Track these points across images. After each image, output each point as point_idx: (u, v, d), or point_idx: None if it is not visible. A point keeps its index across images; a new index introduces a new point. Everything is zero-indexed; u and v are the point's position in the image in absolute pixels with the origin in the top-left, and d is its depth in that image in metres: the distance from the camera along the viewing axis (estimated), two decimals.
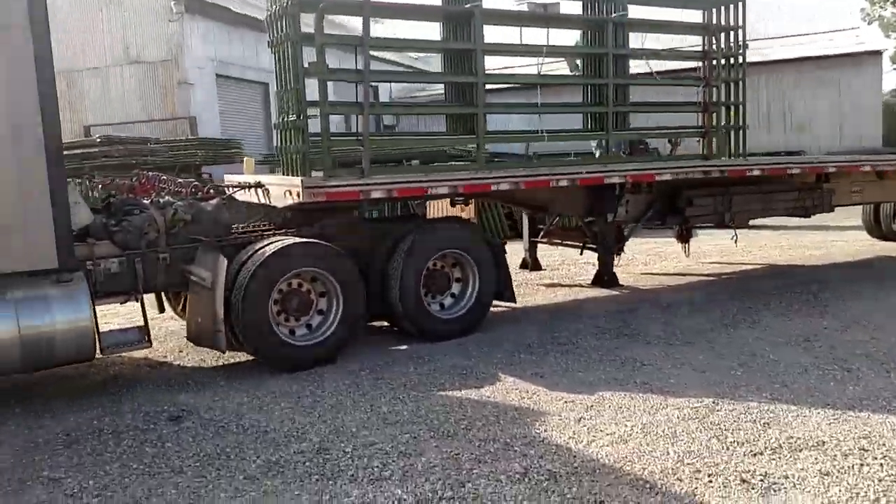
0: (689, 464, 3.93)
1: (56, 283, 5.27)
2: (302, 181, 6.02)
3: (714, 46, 8.06)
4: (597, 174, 7.46)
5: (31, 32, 4.88)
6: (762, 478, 3.72)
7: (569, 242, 9.13)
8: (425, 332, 6.67)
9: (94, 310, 5.43)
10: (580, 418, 4.66)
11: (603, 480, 3.78)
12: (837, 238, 12.90)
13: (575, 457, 4.08)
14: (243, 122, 21.01)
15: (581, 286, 9.10)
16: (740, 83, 8.46)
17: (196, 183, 7.18)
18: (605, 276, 8.62)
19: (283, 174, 6.63)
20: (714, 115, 8.12)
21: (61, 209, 5.08)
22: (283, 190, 6.38)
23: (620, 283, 8.77)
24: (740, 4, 8.23)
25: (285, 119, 6.43)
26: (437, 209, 10.91)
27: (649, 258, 11.35)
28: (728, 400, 4.88)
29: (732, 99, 8.40)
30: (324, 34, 6.02)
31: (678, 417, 4.62)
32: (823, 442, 4.14)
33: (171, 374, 6.10)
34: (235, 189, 7.05)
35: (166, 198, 6.63)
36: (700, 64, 8.45)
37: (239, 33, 20.40)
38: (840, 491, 3.57)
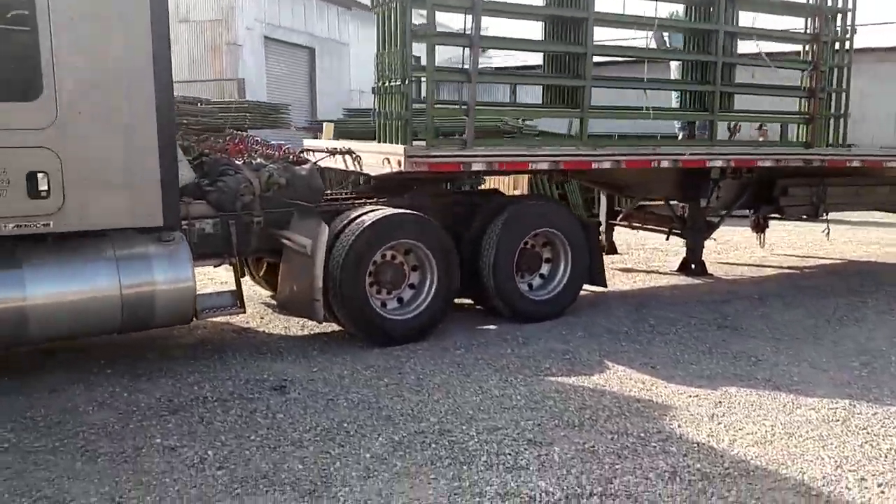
0: (850, 471, 3.66)
1: (157, 242, 5.09)
2: (405, 149, 5.76)
3: (824, 29, 7.62)
4: (700, 157, 7.11)
5: None
6: None
7: (651, 227, 8.79)
8: (517, 312, 6.42)
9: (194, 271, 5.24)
10: (712, 415, 4.40)
11: (761, 484, 3.52)
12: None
13: (721, 456, 3.83)
14: (289, 87, 20.77)
15: (658, 272, 8.80)
16: (845, 69, 8.03)
17: (288, 146, 6.93)
18: (692, 264, 8.30)
19: (380, 141, 6.37)
20: (821, 101, 7.70)
21: (169, 166, 4.87)
22: (380, 158, 6.12)
23: (709, 272, 8.42)
24: None
25: (386, 84, 6.15)
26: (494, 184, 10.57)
27: (721, 247, 10.98)
28: (864, 403, 4.59)
29: (835, 86, 7.98)
30: None
31: (817, 419, 4.34)
32: None
33: (258, 342, 5.91)
34: (325, 154, 6.82)
35: (258, 160, 6.42)
36: (802, 48, 8.03)
37: None
38: None
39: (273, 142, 6.76)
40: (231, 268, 5.99)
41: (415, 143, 6.05)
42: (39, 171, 4.46)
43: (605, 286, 7.09)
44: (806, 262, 9.94)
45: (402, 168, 5.78)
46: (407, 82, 5.86)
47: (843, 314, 6.89)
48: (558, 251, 6.70)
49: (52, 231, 4.59)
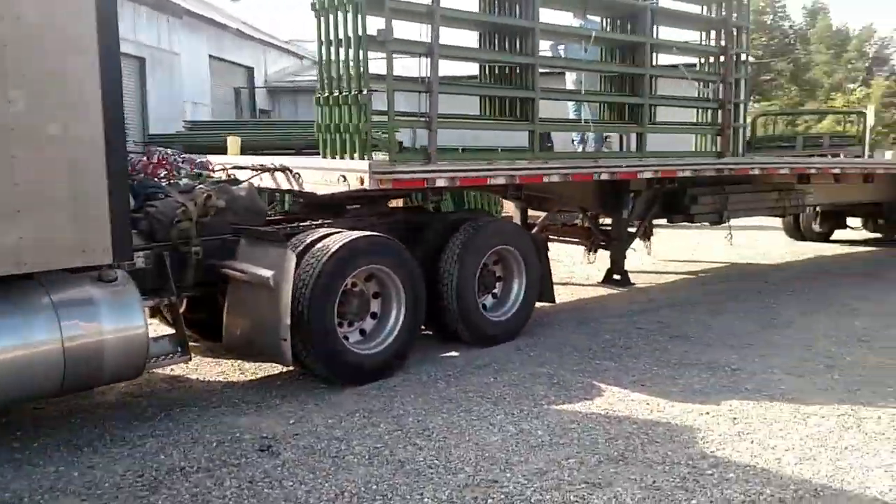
0: None
1: (99, 282, 4.20)
2: (370, 165, 5.23)
3: (730, 43, 7.99)
4: (633, 168, 7.16)
5: None
6: None
7: (569, 239, 8.78)
8: (480, 336, 6.07)
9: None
10: (738, 433, 4.30)
11: None
12: (759, 238, 13.37)
13: (782, 478, 3.71)
14: None
15: (583, 285, 8.77)
16: (743, 81, 8.49)
17: (217, 165, 6.10)
18: (617, 274, 8.36)
19: (327, 156, 5.76)
20: (729, 112, 8.07)
21: (119, 191, 4.02)
22: (330, 175, 5.54)
23: (631, 281, 8.53)
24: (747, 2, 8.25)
25: (335, 94, 5.57)
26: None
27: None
28: (865, 406, 4.70)
29: (739, 97, 8.41)
30: None
31: (838, 427, 4.37)
32: None
33: (201, 393, 5.10)
34: (254, 173, 6.08)
35: (184, 180, 5.58)
36: (707, 61, 8.39)
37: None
38: None
39: (198, 160, 5.91)
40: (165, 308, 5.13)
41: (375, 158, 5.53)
42: None
43: (554, 301, 6.91)
44: (699, 266, 10.42)
45: (366, 185, 5.25)
46: (365, 92, 5.33)
47: (771, 317, 7.20)
48: (512, 269, 6.43)
49: None
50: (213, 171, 5.80)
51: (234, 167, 6.17)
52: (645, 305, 7.72)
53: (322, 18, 5.57)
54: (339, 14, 5.41)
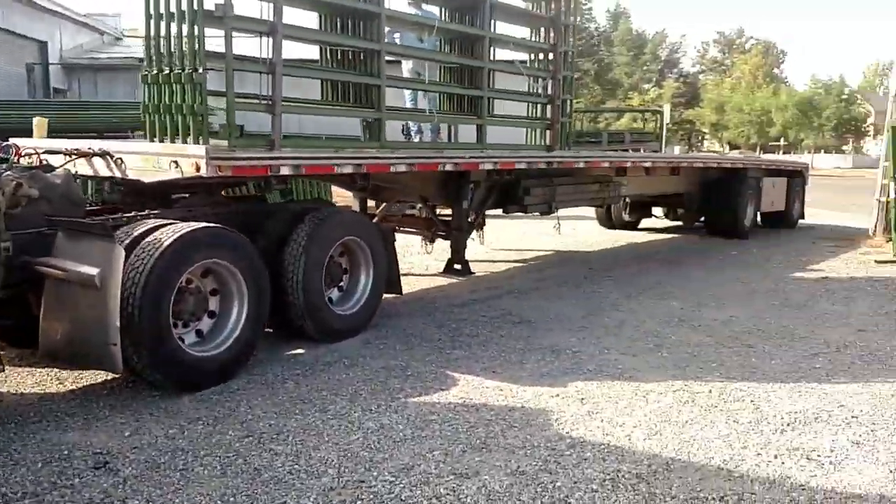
0: (744, 447, 3.99)
1: None
2: (207, 150, 4.83)
3: (560, 41, 8.32)
4: (475, 159, 7.25)
5: None
6: (818, 454, 3.92)
7: (408, 229, 8.75)
8: (327, 331, 5.87)
9: None
10: (588, 412, 4.47)
11: (690, 477, 3.65)
12: (577, 227, 14.06)
13: (635, 454, 3.89)
14: None
15: (424, 275, 8.78)
16: (570, 77, 8.88)
17: (25, 148, 5.35)
18: (457, 264, 8.44)
19: (154, 140, 5.26)
20: (558, 107, 8.40)
21: None
22: (160, 160, 5.06)
23: (472, 270, 8.65)
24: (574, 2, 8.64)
25: (164, 72, 5.09)
26: None
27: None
28: (696, 381, 5.07)
29: (566, 93, 8.79)
30: None
31: (675, 402, 4.68)
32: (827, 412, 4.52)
33: (14, 407, 4.48)
34: (69, 158, 5.44)
35: None
36: (536, 56, 8.69)
37: None
38: None
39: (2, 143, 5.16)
40: None
41: (213, 142, 5.13)
42: None
43: (401, 293, 6.85)
44: (523, 254, 10.81)
45: (203, 172, 4.85)
46: (201, 71, 4.92)
47: (599, 301, 7.62)
48: (359, 261, 6.27)
49: None
50: (20, 155, 5.09)
51: (46, 151, 5.46)
52: (486, 294, 7.87)
53: None
54: None
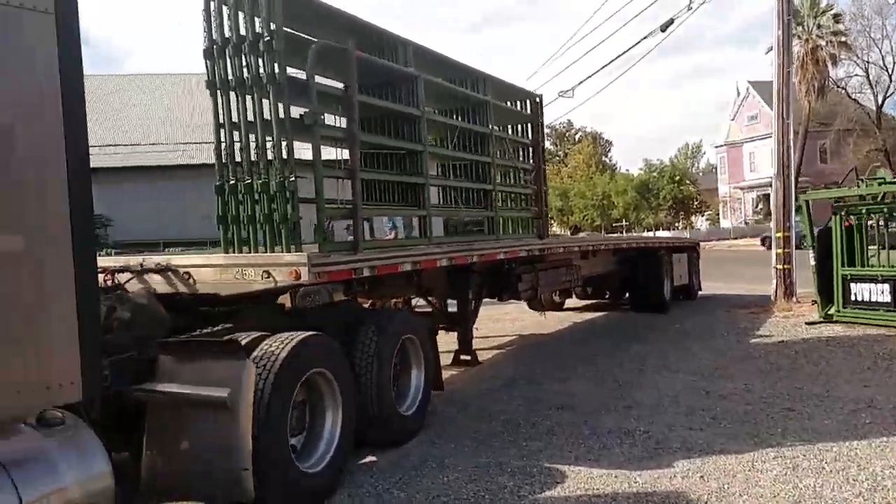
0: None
1: (41, 429, 3.11)
2: (309, 257, 4.67)
3: (537, 135, 8.78)
4: (492, 251, 7.40)
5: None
6: None
7: None
8: (394, 433, 5.68)
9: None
10: (721, 488, 4.60)
11: None
12: (508, 310, 14.26)
13: None
14: None
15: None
16: (544, 171, 9.35)
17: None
18: (466, 355, 8.40)
19: (230, 251, 5.00)
20: (541, 198, 8.78)
21: (89, 311, 3.07)
22: (252, 271, 4.82)
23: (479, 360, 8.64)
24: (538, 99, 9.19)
25: (250, 181, 4.91)
26: None
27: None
28: (784, 447, 5.33)
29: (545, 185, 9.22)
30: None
31: (786, 469, 4.88)
32: None
33: None
34: (131, 275, 5.05)
35: None
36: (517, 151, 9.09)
37: None
38: None
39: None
40: None
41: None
42: None
43: (442, 388, 6.74)
44: (493, 340, 10.92)
45: (305, 279, 4.67)
46: (293, 179, 4.80)
47: (614, 381, 7.84)
48: (410, 360, 6.16)
49: None
50: (109, 275, 4.68)
51: (120, 270, 5.03)
52: (499, 382, 7.88)
53: (222, 98, 4.94)
54: (251, 95, 4.84)
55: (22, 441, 3.00)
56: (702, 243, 19.65)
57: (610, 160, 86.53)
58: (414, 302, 8.91)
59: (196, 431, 4.05)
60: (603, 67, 17.31)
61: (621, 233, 54.27)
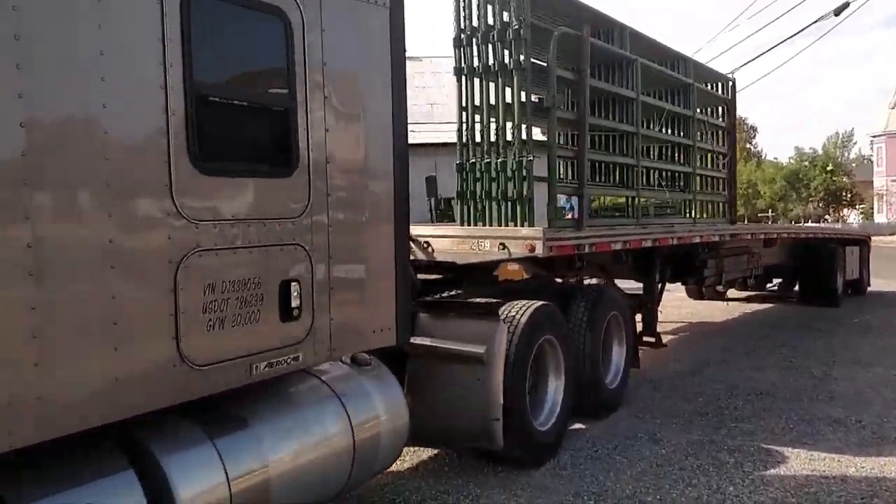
0: None
1: (359, 369, 3.65)
2: (544, 232, 5.04)
3: (731, 119, 8.71)
4: (688, 234, 7.49)
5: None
6: None
7: None
8: (601, 403, 5.96)
9: None
10: None
11: None
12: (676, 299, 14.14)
13: None
14: None
15: None
16: (735, 156, 9.25)
17: None
18: (650, 336, 8.53)
19: (466, 223, 5.46)
20: (733, 182, 8.72)
21: (403, 265, 3.58)
22: (488, 243, 5.25)
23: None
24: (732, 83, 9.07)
25: (489, 161, 5.34)
26: None
27: None
28: None
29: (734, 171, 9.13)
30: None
31: None
32: None
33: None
34: None
35: None
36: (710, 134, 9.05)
37: None
38: None
39: None
40: None
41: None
42: (293, 280, 2.91)
43: (639, 367, 6.95)
44: (669, 325, 10.90)
45: (539, 252, 5.04)
46: (531, 158, 5.17)
47: (805, 372, 7.71)
48: (613, 336, 6.39)
49: (300, 366, 3.00)
50: None
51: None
52: (687, 366, 7.97)
53: (467, 83, 5.37)
54: (496, 81, 5.24)
55: (347, 376, 3.54)
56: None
57: (754, 147, 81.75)
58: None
59: (452, 382, 4.50)
60: (769, 50, 16.56)
61: (766, 223, 51.68)
